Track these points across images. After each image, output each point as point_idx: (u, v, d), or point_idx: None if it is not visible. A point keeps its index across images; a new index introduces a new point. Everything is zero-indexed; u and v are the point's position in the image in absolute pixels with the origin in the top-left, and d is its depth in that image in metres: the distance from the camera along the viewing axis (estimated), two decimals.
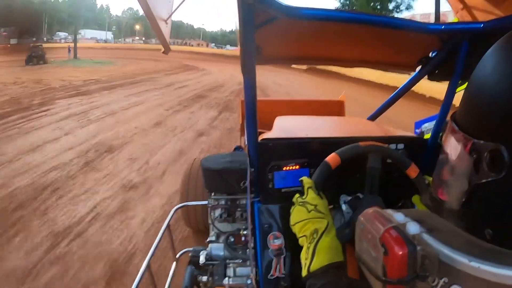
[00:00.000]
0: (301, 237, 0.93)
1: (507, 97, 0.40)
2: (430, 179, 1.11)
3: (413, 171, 1.08)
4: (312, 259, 0.84)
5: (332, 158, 1.05)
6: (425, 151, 1.32)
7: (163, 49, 1.61)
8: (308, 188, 1.00)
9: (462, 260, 0.36)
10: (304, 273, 0.85)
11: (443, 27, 1.11)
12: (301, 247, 0.92)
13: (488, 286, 0.34)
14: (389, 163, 1.12)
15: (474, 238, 0.39)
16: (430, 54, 1.35)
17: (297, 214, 0.96)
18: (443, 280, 0.38)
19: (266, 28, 1.05)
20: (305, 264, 0.85)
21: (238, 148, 3.01)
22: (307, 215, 0.93)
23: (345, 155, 1.05)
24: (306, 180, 1.02)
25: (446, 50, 1.26)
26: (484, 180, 0.40)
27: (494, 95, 0.42)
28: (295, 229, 0.96)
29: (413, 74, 1.56)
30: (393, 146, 1.28)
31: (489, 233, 0.40)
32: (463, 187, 0.43)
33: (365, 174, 1.09)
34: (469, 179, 0.42)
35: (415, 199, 1.12)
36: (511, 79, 0.41)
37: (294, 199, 1.01)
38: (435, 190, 0.52)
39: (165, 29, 1.46)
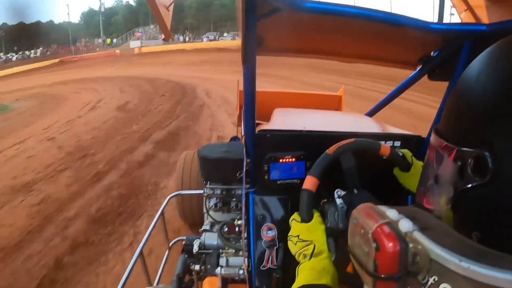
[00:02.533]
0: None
1: (489, 103, 0.41)
2: (405, 151, 1.11)
3: (385, 151, 1.06)
4: (295, 280, 0.83)
5: (310, 183, 0.98)
6: (423, 149, 1.33)
7: (163, 36, 1.60)
8: (291, 221, 0.98)
9: (453, 260, 0.37)
10: None
11: (446, 27, 1.10)
12: None
13: (477, 287, 0.35)
14: (380, 160, 1.11)
15: (466, 238, 0.40)
16: (431, 53, 1.35)
17: (291, 248, 0.95)
18: (433, 278, 0.39)
19: (269, 19, 1.04)
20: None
21: (234, 138, 3.00)
22: (295, 248, 0.92)
23: (320, 171, 1.00)
24: (291, 218, 0.99)
25: (448, 50, 1.26)
26: (469, 185, 0.41)
27: (477, 101, 0.43)
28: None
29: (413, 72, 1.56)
30: (389, 143, 1.28)
31: (476, 235, 0.42)
32: (448, 194, 0.45)
33: (361, 168, 1.09)
34: (454, 186, 0.44)
35: (396, 171, 1.11)
36: (494, 84, 0.42)
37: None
38: (420, 199, 0.54)
39: (167, 16, 1.45)
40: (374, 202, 0.49)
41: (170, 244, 2.21)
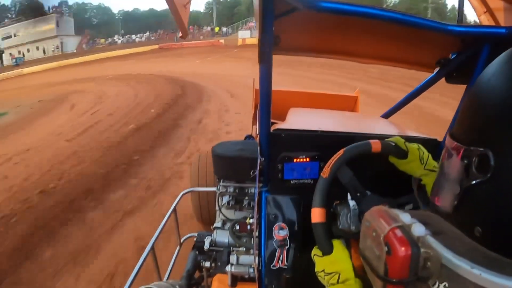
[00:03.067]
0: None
1: (495, 105, 0.43)
2: (396, 139, 1.05)
3: (377, 147, 1.00)
4: None
5: (317, 216, 0.93)
6: (438, 152, 1.31)
7: (180, 34, 1.62)
8: (313, 256, 0.94)
9: (464, 266, 0.36)
10: None
11: (464, 29, 1.08)
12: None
13: None
14: (380, 160, 1.08)
15: (479, 245, 0.39)
16: (450, 56, 1.33)
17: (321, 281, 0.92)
18: (443, 284, 0.39)
19: (286, 18, 1.04)
20: None
21: (249, 137, 3.01)
22: (325, 281, 0.89)
23: (323, 199, 0.93)
24: (313, 253, 0.95)
25: (466, 53, 1.23)
26: (473, 182, 0.43)
27: (484, 103, 0.45)
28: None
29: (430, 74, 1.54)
30: None
31: (478, 231, 0.42)
32: (455, 191, 0.46)
33: (375, 172, 1.08)
34: (460, 183, 0.45)
35: (392, 159, 1.07)
36: (499, 87, 0.43)
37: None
38: (433, 197, 0.55)
39: (184, 13, 1.46)
40: (388, 205, 0.48)
41: (182, 240, 2.23)
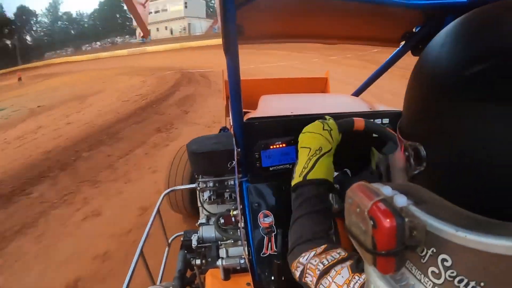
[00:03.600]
0: (303, 147, 0.96)
1: (422, 97, 0.46)
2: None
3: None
4: (312, 169, 0.87)
5: (358, 121, 1.06)
6: None
7: (142, 34, 1.57)
8: (330, 118, 1.04)
9: (449, 230, 0.37)
10: (297, 180, 0.88)
11: (426, 2, 1.10)
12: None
13: (475, 255, 0.35)
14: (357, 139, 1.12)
15: (461, 209, 0.40)
16: (414, 29, 1.35)
17: (312, 126, 1.00)
18: (431, 250, 0.39)
19: (247, 7, 1.03)
20: (302, 172, 0.88)
21: (223, 129, 2.99)
22: (321, 131, 0.96)
23: (370, 127, 1.06)
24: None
25: (430, 25, 1.26)
26: (415, 172, 0.47)
27: (414, 95, 0.49)
28: (303, 137, 0.99)
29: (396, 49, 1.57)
30: (378, 121, 1.29)
31: None
32: (404, 178, 0.52)
33: (351, 152, 1.10)
34: (406, 172, 0.51)
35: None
36: (426, 78, 0.46)
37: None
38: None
39: (144, 13, 1.41)
40: (368, 180, 0.49)
41: (170, 241, 2.20)
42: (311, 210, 0.83)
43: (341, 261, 0.66)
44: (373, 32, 1.52)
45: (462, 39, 0.44)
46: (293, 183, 0.90)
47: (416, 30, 1.33)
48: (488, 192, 0.38)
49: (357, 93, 2.10)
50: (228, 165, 1.49)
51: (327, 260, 0.68)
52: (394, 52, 1.59)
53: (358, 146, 1.14)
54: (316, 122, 1.01)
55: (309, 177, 0.87)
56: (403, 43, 1.45)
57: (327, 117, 1.04)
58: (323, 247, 0.72)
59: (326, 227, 0.81)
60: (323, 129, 0.97)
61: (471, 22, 0.44)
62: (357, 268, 0.61)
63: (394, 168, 0.58)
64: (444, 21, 1.17)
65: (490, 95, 0.37)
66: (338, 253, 0.69)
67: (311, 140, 0.95)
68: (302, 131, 1.01)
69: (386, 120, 1.30)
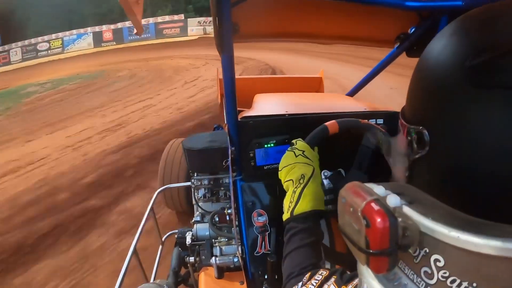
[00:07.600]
0: (286, 181, 0.94)
1: (426, 84, 0.47)
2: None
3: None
4: (297, 203, 0.87)
5: (331, 125, 1.04)
6: None
7: (135, 30, 1.55)
8: (297, 140, 1.01)
9: (442, 231, 0.38)
10: (286, 216, 0.88)
11: (421, 4, 1.10)
12: None
13: (467, 255, 0.36)
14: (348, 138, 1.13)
15: (454, 209, 0.40)
16: (408, 31, 1.36)
17: (285, 159, 0.97)
18: (424, 250, 0.40)
19: (242, 5, 1.03)
20: (289, 207, 0.88)
21: (218, 127, 2.99)
22: (295, 159, 0.94)
23: (344, 126, 1.05)
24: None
25: (424, 26, 1.26)
26: (416, 156, 0.47)
27: (419, 83, 0.49)
28: (282, 174, 0.96)
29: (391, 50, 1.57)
30: (372, 121, 1.29)
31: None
32: (404, 164, 0.52)
33: (345, 151, 1.10)
34: (407, 157, 0.50)
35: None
36: (432, 66, 0.47)
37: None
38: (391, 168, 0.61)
39: (137, 8, 1.40)
40: (361, 180, 0.49)
41: (163, 239, 2.20)
42: (299, 245, 0.83)
43: (325, 280, 0.67)
44: (368, 32, 1.53)
45: (469, 30, 0.45)
46: (283, 218, 0.90)
47: (411, 32, 1.34)
48: (486, 179, 0.39)
49: (351, 93, 2.10)
50: (223, 163, 1.49)
51: (313, 285, 0.69)
52: (389, 53, 1.60)
53: (349, 145, 1.14)
54: (286, 153, 0.98)
55: (295, 212, 0.86)
56: (398, 44, 1.45)
57: (293, 141, 1.02)
58: (307, 275, 0.73)
59: (314, 260, 0.81)
60: (296, 156, 0.95)
61: (480, 14, 0.45)
62: (342, 280, 0.62)
63: (395, 152, 0.58)
64: (439, 22, 1.18)
65: (495, 82, 0.37)
66: (320, 274, 0.69)
67: (290, 173, 0.94)
68: (279, 169, 0.98)
69: (380, 121, 1.30)
